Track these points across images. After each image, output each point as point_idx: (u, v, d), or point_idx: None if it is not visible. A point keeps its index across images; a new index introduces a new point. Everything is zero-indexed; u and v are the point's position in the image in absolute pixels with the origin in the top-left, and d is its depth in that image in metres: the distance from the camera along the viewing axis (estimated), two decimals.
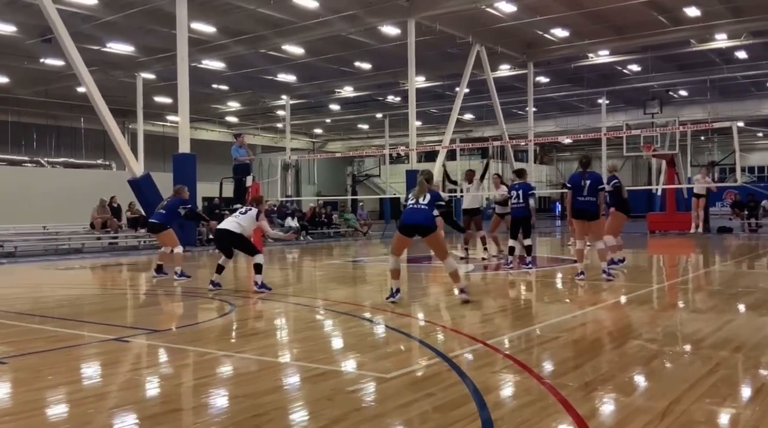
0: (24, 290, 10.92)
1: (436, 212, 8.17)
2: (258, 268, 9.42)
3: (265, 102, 40.17)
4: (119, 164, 30.71)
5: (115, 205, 21.27)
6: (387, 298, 8.15)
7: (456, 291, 8.16)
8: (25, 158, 34.55)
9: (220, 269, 9.75)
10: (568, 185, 10.66)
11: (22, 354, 5.54)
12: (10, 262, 15.86)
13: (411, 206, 8.17)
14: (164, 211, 11.59)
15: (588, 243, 10.80)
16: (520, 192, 11.67)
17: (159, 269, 11.61)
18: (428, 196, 8.13)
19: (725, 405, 3.97)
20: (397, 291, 8.19)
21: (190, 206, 12.22)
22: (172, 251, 11.57)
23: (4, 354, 5.56)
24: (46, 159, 34.93)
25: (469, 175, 14.30)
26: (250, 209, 9.81)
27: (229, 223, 9.63)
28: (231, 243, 9.64)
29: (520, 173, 12.22)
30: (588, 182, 10.25)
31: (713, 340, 5.81)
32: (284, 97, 38.06)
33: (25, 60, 27.56)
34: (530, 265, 11.63)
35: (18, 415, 3.96)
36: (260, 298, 8.98)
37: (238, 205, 18.32)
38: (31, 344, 6.01)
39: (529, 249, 11.79)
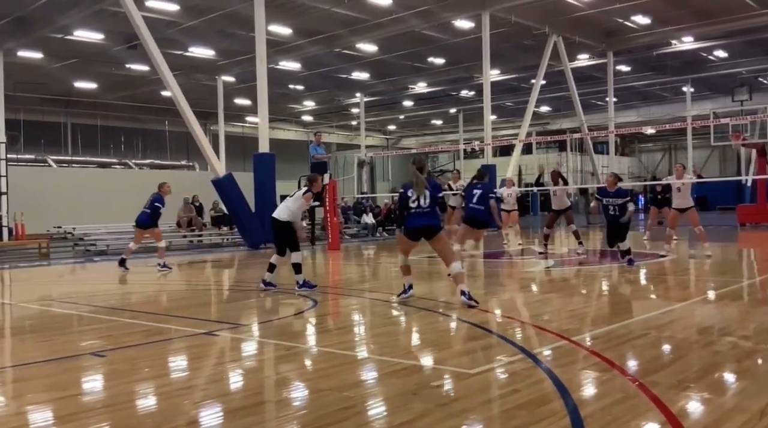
0: (116, 286, 11.45)
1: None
2: (297, 268, 9.17)
3: (339, 100, 40.59)
4: (202, 165, 31.73)
5: (197, 204, 21.99)
6: (399, 295, 7.98)
7: (459, 293, 7.45)
8: (114, 160, 36.14)
9: (271, 267, 9.27)
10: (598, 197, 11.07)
11: (119, 348, 5.81)
12: (103, 260, 16.65)
13: (414, 211, 7.69)
14: (149, 210, 12.76)
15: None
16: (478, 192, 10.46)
17: (164, 265, 12.95)
18: (428, 196, 7.66)
19: None
20: (410, 287, 8.00)
21: (158, 205, 13.22)
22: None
23: (102, 347, 5.86)
24: (133, 161, 36.45)
25: (555, 176, 14.07)
26: (299, 190, 9.48)
27: (278, 210, 9.32)
28: (278, 232, 9.21)
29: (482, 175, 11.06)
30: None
31: None
32: (358, 94, 38.34)
33: (112, 66, 28.80)
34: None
35: (116, 406, 4.15)
36: (340, 294, 9.09)
37: (317, 203, 18.74)
38: (126, 338, 6.30)
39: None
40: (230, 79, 31.99)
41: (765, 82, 36.48)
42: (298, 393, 4.39)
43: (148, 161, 37.45)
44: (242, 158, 32.09)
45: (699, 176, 13.59)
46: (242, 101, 36.52)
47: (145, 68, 27.55)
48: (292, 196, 9.33)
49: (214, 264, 15.43)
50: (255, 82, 18.88)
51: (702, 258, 12.20)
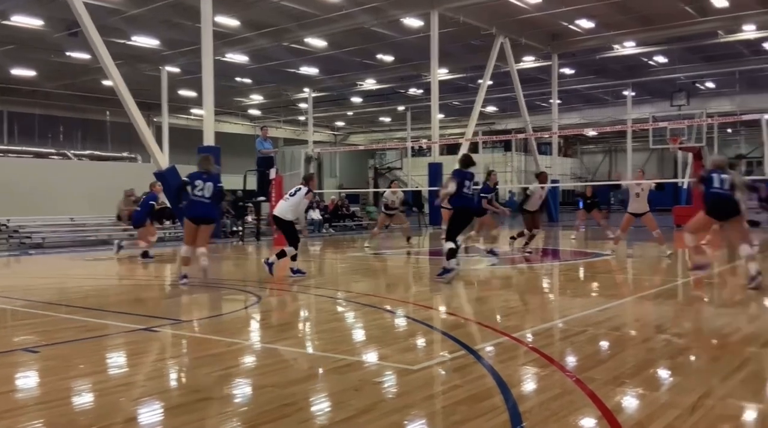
0: (52, 281, 11.10)
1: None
2: (291, 256, 9.86)
3: (287, 95, 40.28)
4: (145, 157, 31.00)
5: (133, 198, 21.47)
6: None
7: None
8: (52, 151, 34.95)
9: (294, 256, 9.92)
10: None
11: (53, 344, 5.63)
12: (39, 253, 16.12)
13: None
14: (141, 209, 13.00)
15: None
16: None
17: (145, 255, 13.47)
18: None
19: (756, 400, 3.93)
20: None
21: (152, 202, 13.60)
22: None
23: (35, 343, 5.67)
24: (72, 151, 35.35)
25: (544, 178, 14.11)
26: (299, 189, 9.87)
27: (281, 209, 9.87)
28: (283, 228, 9.91)
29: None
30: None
31: (741, 335, 5.74)
32: (307, 89, 38.13)
33: (52, 53, 27.88)
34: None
35: (50, 403, 4.03)
36: (284, 290, 9.03)
37: (262, 198, 18.56)
38: (61, 333, 6.12)
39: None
40: (175, 69, 31.38)
41: (702, 87, 37.81)
42: (240, 389, 4.34)
43: (87, 152, 36.34)
44: (187, 151, 31.50)
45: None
46: (187, 93, 35.87)
47: (86, 56, 26.77)
48: (292, 195, 9.83)
49: (156, 258, 15.10)
50: (200, 74, 18.56)
51: (636, 257, 12.56)
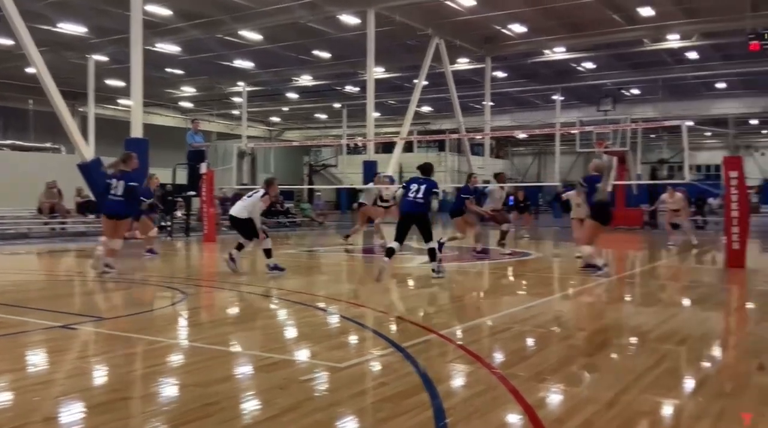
0: None
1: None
2: (267, 253, 9.95)
3: (221, 88, 39.57)
4: (69, 148, 29.88)
5: (55, 190, 20.72)
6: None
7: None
8: None
9: (267, 253, 10.03)
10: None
11: None
12: None
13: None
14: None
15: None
16: (423, 187, 9.60)
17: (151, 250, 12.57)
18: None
19: (670, 396, 4.09)
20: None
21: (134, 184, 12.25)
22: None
23: None
24: None
25: (503, 178, 14.32)
26: (257, 191, 10.04)
27: (237, 209, 10.00)
28: (240, 227, 9.99)
29: (426, 169, 10.27)
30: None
31: (658, 333, 5.97)
32: (241, 83, 37.54)
33: None
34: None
35: None
36: (212, 287, 8.88)
37: (192, 193, 18.17)
38: None
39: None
40: (103, 58, 30.36)
41: (627, 93, 39.21)
42: (162, 388, 4.24)
43: (9, 142, 34.77)
44: (113, 143, 30.51)
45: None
46: (115, 83, 34.78)
47: (8, 42, 25.58)
48: (249, 197, 10.01)
49: (79, 253, 14.59)
50: (129, 64, 18.03)
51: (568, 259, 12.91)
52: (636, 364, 4.79)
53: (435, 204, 9.75)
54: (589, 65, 33.51)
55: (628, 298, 8.72)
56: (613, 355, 5.23)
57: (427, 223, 9.60)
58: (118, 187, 9.91)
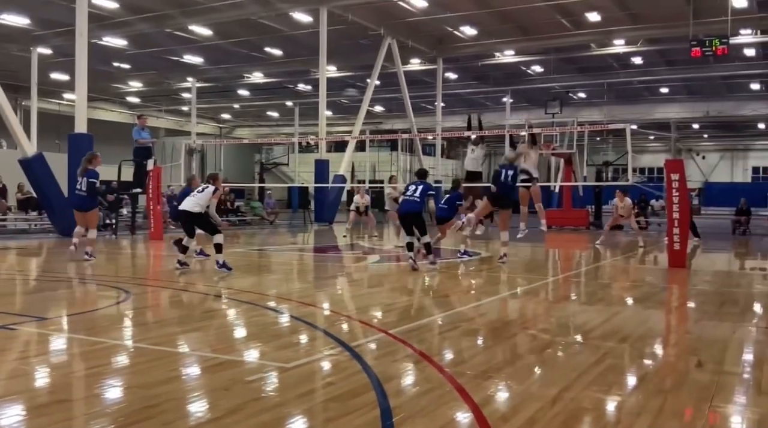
0: None
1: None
2: (218, 248, 9.90)
3: (170, 83, 38.83)
4: (10, 143, 28.90)
5: (0, 186, 20.09)
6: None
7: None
8: None
9: (183, 249, 10.12)
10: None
11: None
12: None
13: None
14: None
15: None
16: (419, 188, 10.71)
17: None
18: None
19: (612, 392, 4.19)
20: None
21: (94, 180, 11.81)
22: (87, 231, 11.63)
23: None
24: None
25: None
26: (207, 187, 10.08)
27: (188, 203, 9.96)
28: (192, 222, 10.03)
29: (422, 174, 11.47)
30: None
31: (601, 331, 6.11)
32: (190, 79, 36.93)
33: None
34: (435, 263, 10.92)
35: None
36: (158, 286, 8.72)
37: (138, 190, 17.79)
38: None
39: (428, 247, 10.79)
40: (46, 51, 29.44)
41: (574, 97, 39.99)
42: (103, 390, 4.13)
43: None
44: (57, 138, 29.68)
45: None
46: (59, 76, 33.77)
47: None
48: (200, 192, 10.05)
49: (20, 251, 14.13)
50: (74, 57, 17.52)
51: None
52: (579, 362, 4.89)
53: (431, 203, 10.95)
54: (538, 68, 34.08)
55: (572, 297, 8.89)
56: (558, 353, 5.33)
57: (423, 221, 10.65)
58: (82, 184, 11.31)
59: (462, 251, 12.63)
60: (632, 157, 14.01)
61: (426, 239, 10.64)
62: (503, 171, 11.39)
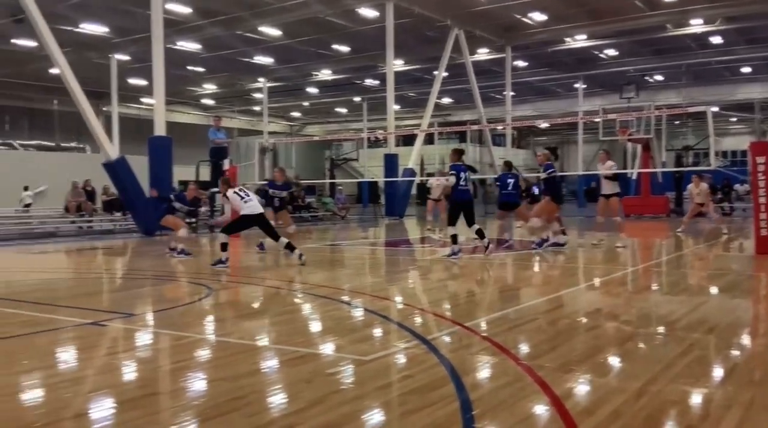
0: None
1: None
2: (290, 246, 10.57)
3: (241, 84, 39.75)
4: (93, 147, 30.23)
5: (89, 189, 21.02)
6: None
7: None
8: None
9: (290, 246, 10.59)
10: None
11: None
12: None
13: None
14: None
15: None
16: (512, 180, 12.45)
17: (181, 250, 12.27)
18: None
19: (699, 385, 4.04)
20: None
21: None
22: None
23: None
24: (18, 142, 34.30)
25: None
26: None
27: (257, 206, 10.57)
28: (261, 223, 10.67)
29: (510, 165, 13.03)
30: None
31: (687, 322, 5.90)
32: (261, 79, 37.70)
33: None
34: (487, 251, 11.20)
35: None
36: (237, 282, 8.95)
37: (215, 189, 18.28)
38: (5, 329, 5.94)
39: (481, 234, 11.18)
40: (125, 57, 30.65)
41: (651, 80, 38.67)
42: (190, 383, 4.28)
43: (35, 142, 35.33)
44: (137, 141, 30.83)
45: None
46: (137, 81, 35.11)
47: (32, 44, 25.98)
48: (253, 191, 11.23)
49: (106, 251, 14.79)
50: (151, 62, 18.17)
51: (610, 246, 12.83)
52: (664, 354, 4.75)
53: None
54: (612, 52, 33.13)
55: (654, 287, 8.62)
56: (641, 345, 5.18)
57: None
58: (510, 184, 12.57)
59: (539, 241, 12.36)
60: (714, 140, 13.40)
61: (477, 226, 11.12)
62: (506, 179, 12.53)
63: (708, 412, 3.59)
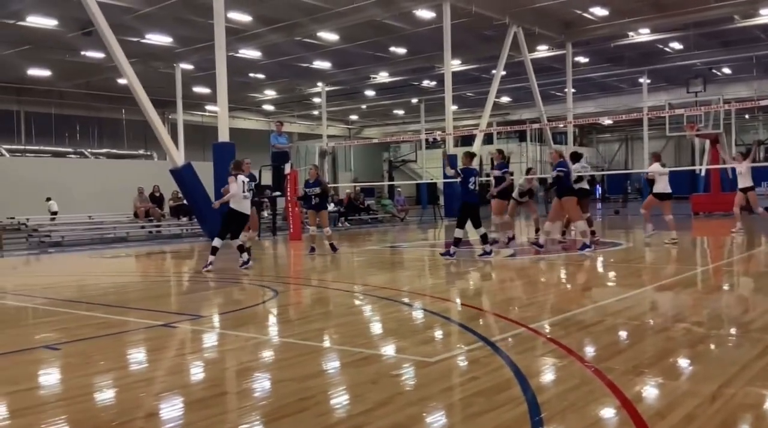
0: (72, 278, 11.21)
1: None
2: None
3: (301, 89, 40.29)
4: (160, 154, 31.20)
5: (158, 195, 21.66)
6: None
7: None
8: (69, 150, 35.31)
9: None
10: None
11: (74, 341, 5.69)
12: (58, 251, 16.29)
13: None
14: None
15: None
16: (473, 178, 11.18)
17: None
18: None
19: None
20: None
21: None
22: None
23: (56, 340, 5.73)
24: (89, 150, 35.67)
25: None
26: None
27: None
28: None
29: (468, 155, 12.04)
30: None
31: (762, 323, 5.68)
32: (320, 84, 38.11)
33: (66, 53, 28.08)
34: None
35: (71, 400, 4.07)
36: (301, 284, 9.07)
37: (278, 193, 18.60)
38: (81, 330, 6.18)
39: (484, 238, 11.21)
40: (188, 66, 31.47)
41: (718, 73, 37.35)
42: (258, 383, 4.37)
43: (104, 150, 36.70)
44: (201, 147, 31.64)
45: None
46: (201, 89, 36.00)
47: (100, 55, 26.96)
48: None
49: (174, 255, 15.22)
50: (214, 70, 18.59)
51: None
52: (739, 356, 4.57)
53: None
54: (677, 45, 32.12)
55: (725, 287, 8.32)
56: (714, 347, 5.00)
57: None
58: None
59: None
60: None
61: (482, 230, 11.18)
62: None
63: None
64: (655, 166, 13.02)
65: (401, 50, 31.40)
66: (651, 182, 13.10)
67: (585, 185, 12.54)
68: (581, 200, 12.15)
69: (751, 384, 3.90)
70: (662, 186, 12.72)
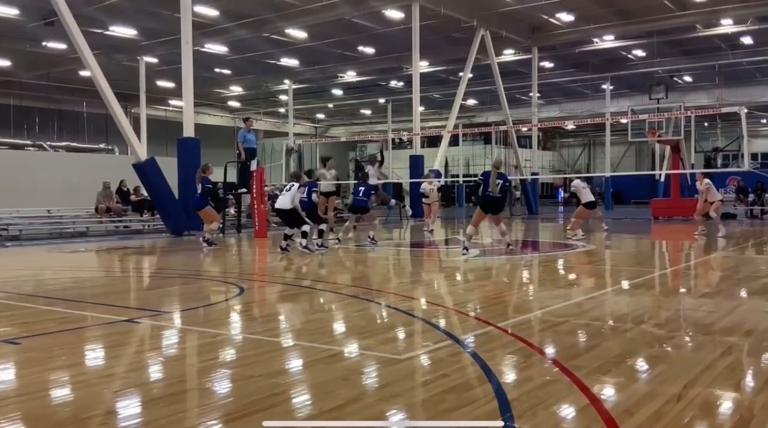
0: (30, 273, 10.94)
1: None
2: (304, 234, 11.88)
3: (267, 86, 40.01)
4: (122, 148, 30.66)
5: (125, 189, 21.26)
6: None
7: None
8: (28, 142, 34.52)
9: (286, 237, 12.16)
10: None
11: (34, 335, 5.54)
12: (15, 245, 15.88)
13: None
14: (199, 193, 13.56)
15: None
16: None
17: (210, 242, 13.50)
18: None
19: (741, 387, 3.97)
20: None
21: (209, 186, 14.08)
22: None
23: (16, 335, 5.57)
24: (48, 143, 34.89)
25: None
26: (293, 185, 12.00)
27: (280, 201, 12.14)
28: (287, 217, 12.05)
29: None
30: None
31: (723, 325, 5.80)
32: (287, 81, 37.90)
33: (27, 43, 27.44)
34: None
35: (30, 395, 3.96)
36: (266, 282, 8.99)
37: (244, 190, 18.42)
38: (42, 325, 6.02)
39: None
40: (153, 60, 31.02)
41: (680, 81, 38.19)
42: (225, 380, 4.30)
43: (64, 143, 35.93)
44: (164, 142, 31.21)
45: None
46: (165, 84, 35.52)
47: (62, 46, 26.40)
48: (288, 190, 12.09)
49: (135, 250, 14.95)
50: (179, 64, 18.33)
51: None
52: (702, 357, 4.66)
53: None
54: (640, 53, 32.76)
55: (685, 290, 8.50)
56: (678, 348, 5.09)
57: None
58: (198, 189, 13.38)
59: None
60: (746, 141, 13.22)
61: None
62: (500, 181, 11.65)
63: (753, 414, 3.51)
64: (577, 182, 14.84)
65: (370, 50, 31.42)
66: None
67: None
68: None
69: (714, 384, 3.98)
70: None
